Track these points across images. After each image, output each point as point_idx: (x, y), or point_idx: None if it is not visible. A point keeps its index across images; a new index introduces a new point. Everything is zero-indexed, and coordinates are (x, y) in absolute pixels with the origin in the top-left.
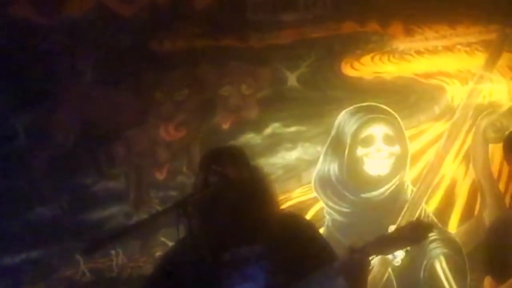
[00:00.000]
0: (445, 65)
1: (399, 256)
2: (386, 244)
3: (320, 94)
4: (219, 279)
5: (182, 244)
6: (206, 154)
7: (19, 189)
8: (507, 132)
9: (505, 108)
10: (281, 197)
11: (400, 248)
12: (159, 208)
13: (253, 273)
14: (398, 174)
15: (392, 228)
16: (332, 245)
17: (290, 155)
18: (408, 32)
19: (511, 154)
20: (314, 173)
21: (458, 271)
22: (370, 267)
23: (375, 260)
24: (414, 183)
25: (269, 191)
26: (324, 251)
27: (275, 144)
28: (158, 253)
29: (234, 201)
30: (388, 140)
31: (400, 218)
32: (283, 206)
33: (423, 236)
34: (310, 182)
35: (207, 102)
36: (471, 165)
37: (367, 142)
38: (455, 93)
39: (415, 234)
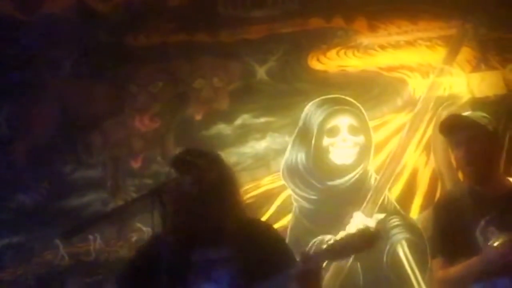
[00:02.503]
0: (407, 59)
1: None
2: (336, 252)
3: (288, 87)
4: (187, 276)
5: (154, 240)
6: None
7: (1, 177)
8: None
9: (464, 100)
10: (250, 185)
11: (350, 255)
12: (135, 195)
13: (218, 275)
14: (362, 163)
15: (356, 215)
16: (299, 230)
17: (259, 145)
18: (372, 28)
19: (450, 138)
20: (282, 162)
21: (419, 255)
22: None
23: None
24: (377, 171)
25: (237, 195)
26: (285, 256)
27: (245, 134)
28: (134, 238)
29: (203, 201)
30: (353, 130)
31: (364, 205)
32: (253, 194)
33: (371, 243)
34: (278, 171)
35: (180, 94)
36: (431, 155)
37: (333, 132)
38: (417, 86)
39: (363, 241)
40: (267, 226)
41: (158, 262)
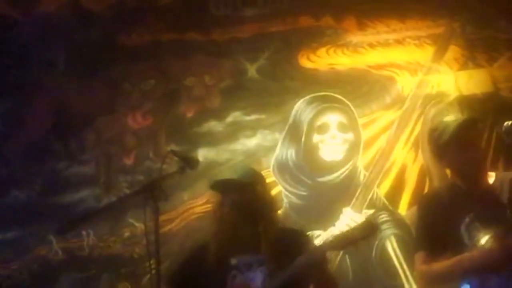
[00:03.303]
0: (396, 57)
1: None
2: (340, 242)
3: (278, 85)
4: (226, 279)
5: (199, 249)
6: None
7: None
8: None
9: (452, 97)
10: None
11: (352, 244)
12: (127, 192)
13: (254, 276)
14: (352, 159)
15: (345, 211)
16: (289, 225)
17: (250, 142)
18: (361, 26)
19: (442, 156)
20: (272, 158)
21: (407, 250)
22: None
23: None
24: (366, 168)
25: (273, 212)
26: (305, 246)
27: (236, 131)
28: (127, 234)
29: (244, 218)
30: (342, 127)
31: (353, 201)
32: None
33: (372, 233)
34: (269, 167)
35: (172, 92)
36: (420, 151)
37: (323, 129)
38: (405, 84)
39: (365, 232)
40: (300, 234)
41: (202, 267)
